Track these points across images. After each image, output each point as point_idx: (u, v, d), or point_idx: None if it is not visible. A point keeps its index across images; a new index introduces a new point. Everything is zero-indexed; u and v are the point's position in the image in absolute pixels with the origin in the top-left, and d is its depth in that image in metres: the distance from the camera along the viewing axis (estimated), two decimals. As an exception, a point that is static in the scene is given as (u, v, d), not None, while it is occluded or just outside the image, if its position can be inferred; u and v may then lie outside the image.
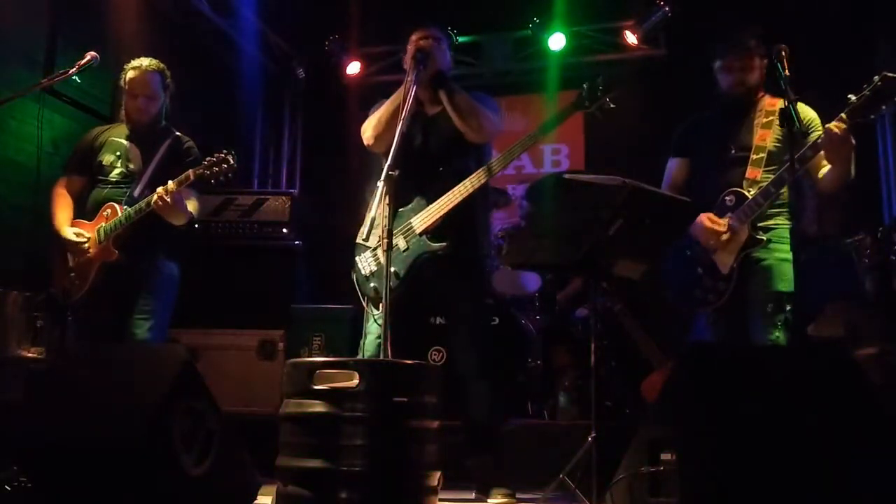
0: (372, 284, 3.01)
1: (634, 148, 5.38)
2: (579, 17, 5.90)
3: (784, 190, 2.92)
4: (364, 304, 3.04)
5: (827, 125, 2.77)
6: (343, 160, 5.96)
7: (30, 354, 3.58)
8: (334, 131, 6.36)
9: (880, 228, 3.88)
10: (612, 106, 2.92)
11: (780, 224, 3.00)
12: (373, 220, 2.67)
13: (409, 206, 3.03)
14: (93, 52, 3.28)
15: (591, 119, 2.98)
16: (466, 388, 3.06)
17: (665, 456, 2.01)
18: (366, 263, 3.05)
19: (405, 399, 2.12)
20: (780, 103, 2.87)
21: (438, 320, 3.82)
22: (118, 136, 3.40)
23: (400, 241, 2.97)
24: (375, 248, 3.01)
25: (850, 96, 2.74)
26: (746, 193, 2.96)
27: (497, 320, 4.57)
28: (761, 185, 2.94)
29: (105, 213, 3.26)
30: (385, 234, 2.60)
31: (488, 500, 2.94)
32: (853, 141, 2.75)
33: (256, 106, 6.60)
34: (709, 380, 1.98)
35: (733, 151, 3.06)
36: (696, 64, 3.38)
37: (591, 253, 2.42)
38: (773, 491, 1.77)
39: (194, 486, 2.17)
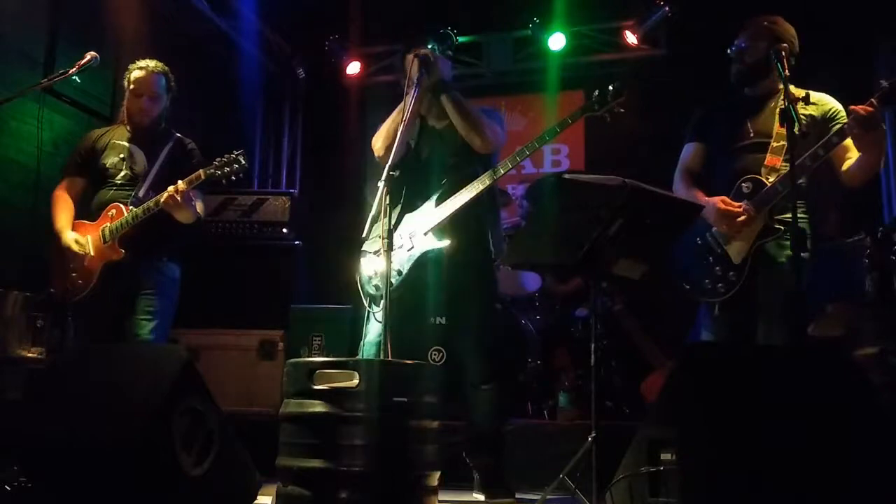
0: (374, 283, 3.00)
1: (634, 148, 5.37)
2: (579, 17, 5.90)
3: (803, 180, 2.79)
4: (366, 304, 3.04)
5: (852, 106, 2.66)
6: (343, 160, 5.98)
7: (30, 354, 3.58)
8: (334, 131, 6.37)
9: (880, 228, 3.86)
10: (621, 111, 2.88)
11: (799, 218, 2.83)
12: (373, 218, 2.66)
13: (416, 210, 3.02)
14: (93, 52, 3.28)
15: (592, 120, 2.96)
16: (471, 393, 3.02)
17: (665, 456, 2.01)
18: (368, 263, 3.05)
19: (405, 399, 2.12)
20: (800, 92, 2.80)
21: (439, 320, 3.81)
22: (120, 138, 3.40)
23: (405, 241, 2.97)
24: (377, 250, 3.00)
25: (882, 82, 2.63)
26: (765, 181, 2.84)
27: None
28: (781, 172, 2.81)
29: (110, 214, 3.26)
30: (385, 234, 2.60)
31: (488, 501, 2.94)
32: (884, 127, 2.65)
33: (256, 106, 6.60)
34: (709, 380, 1.99)
35: (752, 136, 2.94)
36: (697, 64, 3.35)
37: (591, 253, 2.41)
38: (773, 491, 1.77)
39: (194, 487, 2.17)
